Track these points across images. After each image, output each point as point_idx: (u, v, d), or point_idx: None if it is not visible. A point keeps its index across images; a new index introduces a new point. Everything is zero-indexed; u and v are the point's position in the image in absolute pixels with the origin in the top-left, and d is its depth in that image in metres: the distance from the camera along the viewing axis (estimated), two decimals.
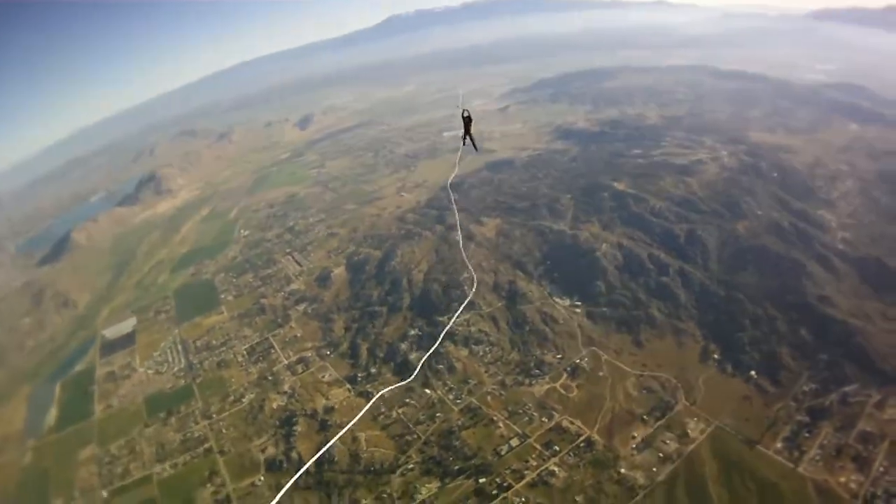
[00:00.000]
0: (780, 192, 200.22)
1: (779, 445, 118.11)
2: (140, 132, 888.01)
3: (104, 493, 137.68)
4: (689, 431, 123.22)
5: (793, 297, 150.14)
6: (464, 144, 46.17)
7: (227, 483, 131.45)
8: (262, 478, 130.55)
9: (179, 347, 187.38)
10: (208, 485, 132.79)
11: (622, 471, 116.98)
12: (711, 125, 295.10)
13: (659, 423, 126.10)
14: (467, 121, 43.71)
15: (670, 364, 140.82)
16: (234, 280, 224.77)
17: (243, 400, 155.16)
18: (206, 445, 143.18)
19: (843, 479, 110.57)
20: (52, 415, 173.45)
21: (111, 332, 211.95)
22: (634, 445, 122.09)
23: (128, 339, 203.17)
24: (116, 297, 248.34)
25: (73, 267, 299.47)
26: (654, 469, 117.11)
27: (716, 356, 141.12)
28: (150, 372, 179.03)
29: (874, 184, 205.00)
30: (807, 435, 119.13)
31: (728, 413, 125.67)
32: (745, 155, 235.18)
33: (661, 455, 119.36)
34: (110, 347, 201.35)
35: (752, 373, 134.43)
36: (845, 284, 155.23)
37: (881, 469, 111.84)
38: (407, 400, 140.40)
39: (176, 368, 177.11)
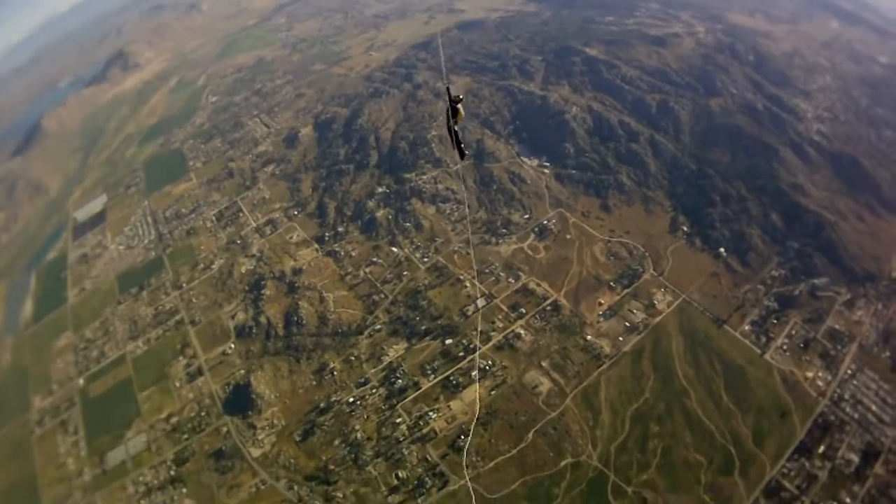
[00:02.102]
0: (755, 75, 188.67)
1: (746, 328, 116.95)
2: (112, 13, 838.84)
3: (80, 381, 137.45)
4: (655, 302, 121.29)
5: (764, 180, 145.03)
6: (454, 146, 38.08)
7: (199, 354, 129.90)
8: (232, 346, 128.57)
9: (149, 219, 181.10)
10: (180, 358, 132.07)
11: (588, 338, 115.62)
12: (689, 0, 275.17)
13: (626, 291, 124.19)
14: (453, 108, 35.61)
15: (638, 232, 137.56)
16: (203, 146, 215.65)
17: (213, 266, 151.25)
18: (178, 317, 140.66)
19: (810, 375, 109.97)
20: (28, 308, 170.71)
21: (82, 214, 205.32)
22: (601, 312, 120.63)
23: (98, 218, 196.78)
24: (87, 177, 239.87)
25: (44, 154, 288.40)
26: (621, 339, 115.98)
27: (685, 228, 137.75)
28: (121, 248, 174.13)
29: (854, 84, 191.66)
30: (774, 322, 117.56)
31: (696, 288, 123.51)
32: (722, 34, 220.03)
33: (627, 324, 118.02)
34: (82, 229, 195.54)
35: (722, 250, 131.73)
36: (819, 176, 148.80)
37: (849, 372, 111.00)
38: (374, 259, 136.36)
39: (146, 241, 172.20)
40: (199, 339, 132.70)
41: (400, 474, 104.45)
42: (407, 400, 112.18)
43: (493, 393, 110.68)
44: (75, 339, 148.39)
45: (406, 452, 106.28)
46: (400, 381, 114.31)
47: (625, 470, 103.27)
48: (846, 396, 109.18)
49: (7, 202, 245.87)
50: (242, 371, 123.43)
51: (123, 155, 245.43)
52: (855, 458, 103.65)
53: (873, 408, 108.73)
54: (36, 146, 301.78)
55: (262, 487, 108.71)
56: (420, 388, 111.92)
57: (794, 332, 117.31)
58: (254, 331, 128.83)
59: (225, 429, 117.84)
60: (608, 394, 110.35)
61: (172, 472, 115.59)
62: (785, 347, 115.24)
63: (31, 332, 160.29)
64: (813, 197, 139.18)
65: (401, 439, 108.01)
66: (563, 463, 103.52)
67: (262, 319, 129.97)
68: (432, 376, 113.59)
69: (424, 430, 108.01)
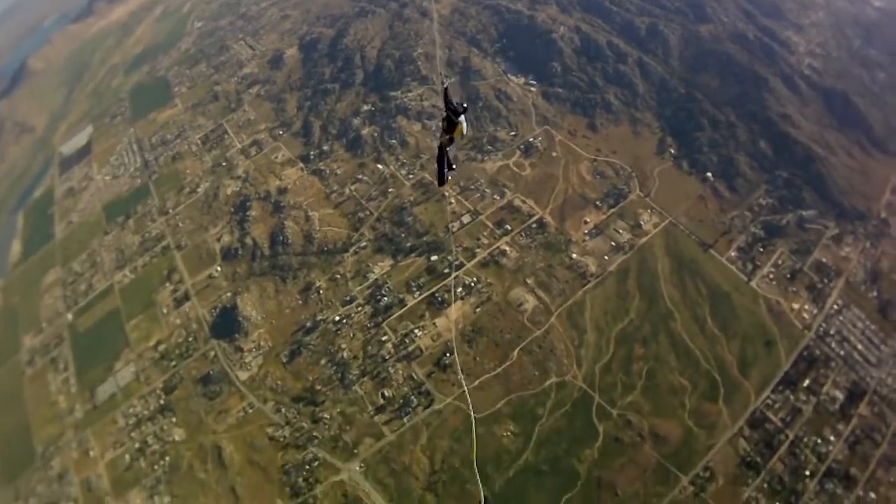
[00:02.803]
0: (747, 5, 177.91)
1: (732, 254, 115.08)
2: None
3: (69, 316, 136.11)
4: (642, 223, 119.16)
5: (753, 107, 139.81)
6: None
7: (186, 279, 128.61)
8: (218, 268, 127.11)
9: (135, 147, 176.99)
10: (167, 284, 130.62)
11: (574, 256, 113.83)
12: None
13: (612, 210, 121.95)
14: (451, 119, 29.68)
15: (625, 152, 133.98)
16: (188, 72, 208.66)
17: (198, 190, 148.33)
18: (164, 243, 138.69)
19: (796, 306, 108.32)
20: (17, 248, 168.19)
21: (68, 148, 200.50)
22: (587, 231, 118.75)
23: (85, 151, 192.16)
24: (72, 111, 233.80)
25: (30, 93, 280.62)
26: (606, 258, 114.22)
27: (672, 151, 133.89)
28: (107, 178, 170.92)
29: (848, 24, 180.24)
30: (761, 250, 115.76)
31: (682, 211, 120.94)
32: None
33: (613, 244, 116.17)
34: (68, 163, 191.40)
35: (709, 174, 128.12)
36: (809, 110, 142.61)
37: (835, 307, 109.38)
38: (359, 176, 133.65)
39: (132, 169, 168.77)
40: (186, 264, 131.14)
41: (386, 393, 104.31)
42: (392, 317, 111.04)
43: (478, 310, 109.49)
44: (63, 274, 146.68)
45: (392, 371, 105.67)
46: (385, 298, 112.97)
47: (609, 391, 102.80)
48: (832, 332, 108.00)
49: None
50: (229, 294, 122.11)
51: (109, 86, 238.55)
52: (840, 396, 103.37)
53: (859, 346, 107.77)
54: (21, 87, 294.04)
55: (250, 412, 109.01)
56: (405, 306, 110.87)
57: (780, 261, 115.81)
58: (240, 252, 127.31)
59: (212, 353, 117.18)
60: (593, 313, 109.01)
61: (161, 401, 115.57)
62: (771, 276, 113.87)
63: (20, 271, 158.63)
64: (803, 129, 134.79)
65: (386, 357, 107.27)
66: (547, 382, 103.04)
67: (248, 240, 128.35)
68: (418, 293, 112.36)
69: (410, 348, 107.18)
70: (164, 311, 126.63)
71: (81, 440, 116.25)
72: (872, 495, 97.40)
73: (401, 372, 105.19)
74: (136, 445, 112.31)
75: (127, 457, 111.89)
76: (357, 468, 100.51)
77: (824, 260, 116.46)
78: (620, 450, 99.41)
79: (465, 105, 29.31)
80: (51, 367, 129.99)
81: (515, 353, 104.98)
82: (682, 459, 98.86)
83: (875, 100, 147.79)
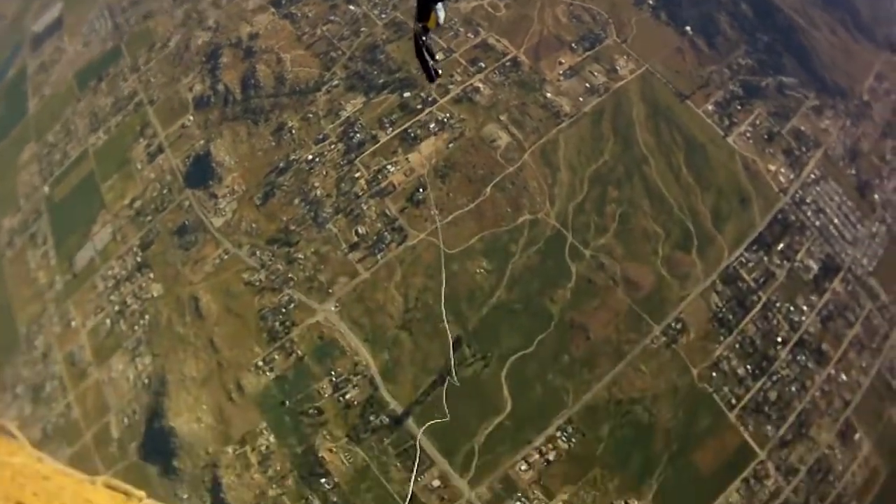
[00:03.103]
0: None
1: (709, 107, 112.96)
2: None
3: (45, 189, 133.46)
4: (618, 68, 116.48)
5: None
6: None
7: (159, 132, 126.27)
8: (191, 118, 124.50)
9: (106, 13, 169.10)
10: (141, 139, 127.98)
11: (548, 95, 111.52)
12: None
13: (588, 53, 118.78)
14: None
15: None
16: None
17: (169, 44, 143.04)
18: (136, 100, 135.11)
19: (772, 168, 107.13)
20: None
21: (39, 25, 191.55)
22: (561, 72, 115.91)
23: (55, 26, 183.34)
24: None
25: None
26: (581, 99, 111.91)
27: (651, 1, 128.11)
28: (78, 48, 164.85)
29: None
30: (739, 108, 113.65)
31: (659, 60, 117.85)
32: None
33: (588, 85, 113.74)
34: (39, 40, 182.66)
35: (688, 28, 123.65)
36: None
37: (812, 176, 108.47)
38: (331, 17, 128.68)
39: (103, 33, 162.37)
40: (158, 117, 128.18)
41: (360, 230, 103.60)
42: (365, 154, 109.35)
43: (451, 146, 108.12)
44: (38, 148, 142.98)
45: (365, 208, 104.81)
46: (358, 135, 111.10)
47: (582, 232, 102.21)
48: (808, 200, 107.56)
49: None
50: (202, 141, 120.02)
51: None
52: (814, 266, 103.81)
53: (835, 220, 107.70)
54: None
55: (226, 258, 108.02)
56: (378, 142, 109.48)
57: (758, 122, 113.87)
58: (212, 99, 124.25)
59: (187, 203, 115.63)
60: (567, 152, 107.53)
61: (139, 259, 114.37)
62: (748, 135, 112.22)
63: None
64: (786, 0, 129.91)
65: (360, 194, 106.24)
66: (520, 219, 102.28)
67: (220, 87, 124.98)
68: (390, 129, 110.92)
69: (383, 184, 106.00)
70: (139, 166, 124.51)
71: (63, 313, 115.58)
72: (843, 377, 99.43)
73: (374, 208, 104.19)
74: (116, 308, 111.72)
75: (107, 321, 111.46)
76: (332, 308, 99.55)
77: (803, 128, 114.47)
78: (593, 292, 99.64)
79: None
80: (30, 244, 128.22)
81: (488, 189, 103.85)
82: (654, 307, 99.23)
83: None
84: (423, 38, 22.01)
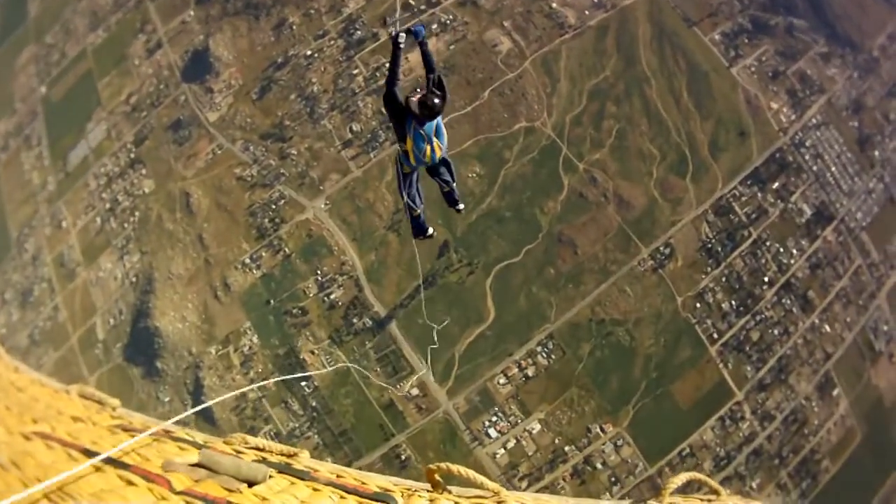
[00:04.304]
0: None
1: (716, 36, 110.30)
2: None
3: (42, 90, 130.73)
4: None
5: None
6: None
7: (158, 28, 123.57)
8: (192, 13, 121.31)
9: None
10: (140, 35, 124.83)
11: (553, 5, 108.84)
12: None
13: None
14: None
15: None
16: None
17: None
18: None
19: (774, 106, 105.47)
20: None
21: None
22: None
23: None
24: None
25: None
26: (587, 12, 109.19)
27: None
28: None
29: None
30: (746, 41, 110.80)
31: None
32: None
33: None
34: None
35: None
36: None
37: (814, 121, 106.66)
38: None
39: None
40: (159, 13, 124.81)
41: (354, 127, 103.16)
42: (365, 51, 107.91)
43: (451, 47, 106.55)
44: (37, 50, 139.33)
45: (361, 105, 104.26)
46: (359, 32, 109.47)
47: (578, 144, 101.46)
48: (807, 144, 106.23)
49: None
50: (201, 37, 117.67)
51: None
52: (807, 211, 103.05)
53: (833, 168, 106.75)
54: None
55: (219, 152, 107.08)
56: (378, 40, 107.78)
57: (764, 58, 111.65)
58: None
59: (183, 97, 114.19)
60: (568, 63, 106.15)
61: (132, 155, 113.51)
62: (753, 69, 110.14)
63: None
64: None
65: (356, 91, 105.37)
66: (516, 126, 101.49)
67: None
68: (391, 28, 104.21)
69: (381, 82, 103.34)
70: (136, 62, 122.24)
71: (54, 213, 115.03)
72: (827, 328, 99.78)
73: (370, 106, 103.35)
74: (107, 206, 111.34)
75: (98, 220, 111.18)
76: (322, 206, 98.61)
77: (809, 72, 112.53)
78: (584, 207, 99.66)
79: (438, 82, 12.87)
80: (24, 146, 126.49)
81: (486, 93, 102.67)
82: (644, 230, 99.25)
83: None
84: (402, 168, 13.42)
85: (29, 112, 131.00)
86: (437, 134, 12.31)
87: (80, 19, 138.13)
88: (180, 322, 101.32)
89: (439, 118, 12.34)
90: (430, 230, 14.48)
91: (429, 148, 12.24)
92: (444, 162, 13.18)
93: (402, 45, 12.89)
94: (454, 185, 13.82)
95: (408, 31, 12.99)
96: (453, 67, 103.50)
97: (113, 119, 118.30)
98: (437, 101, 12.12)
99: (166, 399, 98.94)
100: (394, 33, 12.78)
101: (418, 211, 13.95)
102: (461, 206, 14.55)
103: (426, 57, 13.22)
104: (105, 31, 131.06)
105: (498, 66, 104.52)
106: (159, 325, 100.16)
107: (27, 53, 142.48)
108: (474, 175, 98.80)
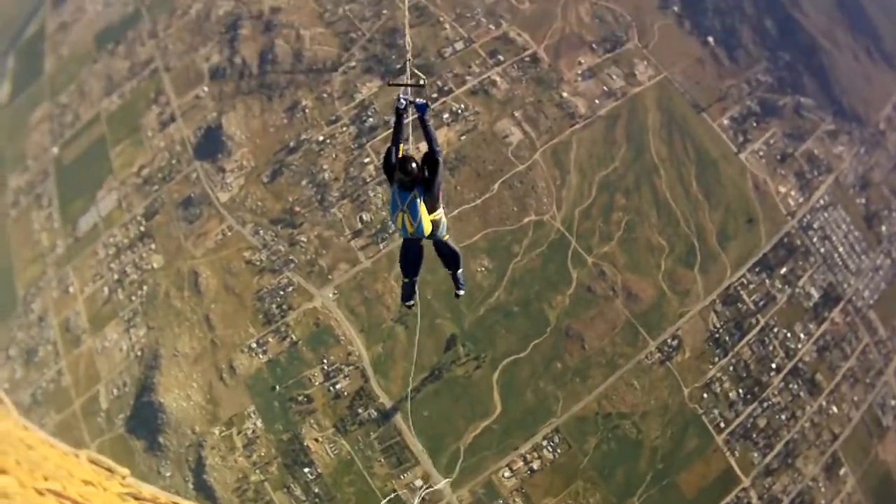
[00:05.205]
0: None
1: (725, 122, 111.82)
2: None
3: (55, 150, 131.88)
4: (636, 73, 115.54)
5: None
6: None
7: (172, 100, 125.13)
8: (205, 88, 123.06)
9: None
10: (154, 106, 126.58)
11: (564, 95, 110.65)
12: None
13: (608, 55, 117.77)
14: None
15: (627, 1, 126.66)
16: None
17: (190, 11, 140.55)
18: (153, 66, 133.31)
19: (782, 189, 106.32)
20: (5, 90, 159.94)
21: None
22: (580, 72, 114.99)
23: None
24: None
25: None
26: (597, 101, 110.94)
27: (676, 9, 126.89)
28: (99, 8, 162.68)
29: None
30: (754, 125, 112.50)
31: (679, 69, 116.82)
32: None
33: (605, 88, 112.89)
34: None
35: (710, 39, 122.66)
36: (821, 1, 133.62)
37: (822, 202, 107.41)
38: None
39: None
40: (173, 85, 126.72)
41: (364, 217, 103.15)
42: (377, 139, 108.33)
43: (462, 138, 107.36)
44: (51, 108, 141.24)
45: (372, 194, 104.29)
46: (371, 119, 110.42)
47: (587, 238, 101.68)
48: (815, 226, 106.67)
49: None
50: (214, 113, 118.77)
51: None
52: (815, 294, 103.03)
53: (840, 249, 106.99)
54: None
55: (229, 234, 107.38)
56: (391, 128, 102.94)
57: (772, 141, 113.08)
58: (228, 71, 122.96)
59: (194, 174, 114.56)
60: (578, 154, 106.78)
61: (142, 228, 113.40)
62: (761, 154, 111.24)
63: (9, 111, 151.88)
64: (811, 18, 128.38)
65: (367, 180, 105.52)
66: (526, 220, 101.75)
67: (237, 59, 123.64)
68: (405, 117, 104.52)
69: None
70: (149, 134, 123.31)
71: (62, 277, 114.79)
72: (834, 409, 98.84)
73: (381, 196, 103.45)
74: (115, 276, 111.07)
75: (105, 289, 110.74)
76: (330, 295, 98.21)
77: (816, 152, 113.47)
78: (592, 301, 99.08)
79: (433, 162, 12.98)
80: (35, 205, 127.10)
81: (496, 185, 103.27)
82: (652, 322, 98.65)
83: (888, 11, 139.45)
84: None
85: (41, 171, 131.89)
86: (412, 209, 12.30)
87: (95, 82, 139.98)
88: (184, 400, 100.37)
89: (418, 198, 12.30)
90: (411, 302, 14.93)
91: (400, 217, 12.51)
92: (443, 245, 14.14)
93: (402, 114, 13.55)
94: (457, 271, 14.95)
95: (410, 103, 13.39)
96: (464, 158, 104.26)
97: (124, 189, 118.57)
98: (413, 166, 12.25)
99: (167, 474, 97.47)
100: (399, 103, 13.33)
101: (406, 280, 14.81)
102: (460, 292, 15.75)
103: (427, 133, 13.34)
104: (119, 98, 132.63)
105: (508, 157, 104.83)
106: (163, 401, 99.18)
107: (41, 111, 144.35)
108: (483, 269, 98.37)
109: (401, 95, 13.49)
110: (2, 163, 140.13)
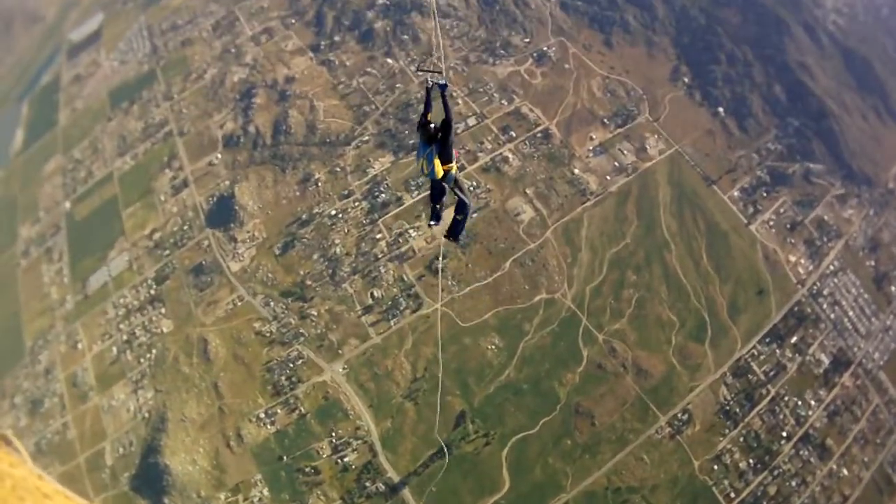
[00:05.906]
0: None
1: (735, 193, 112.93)
2: None
3: (67, 205, 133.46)
4: (647, 147, 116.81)
5: (772, 51, 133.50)
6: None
7: (186, 165, 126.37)
8: (219, 155, 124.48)
9: (145, 33, 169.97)
10: (167, 170, 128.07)
11: (576, 171, 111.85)
12: None
13: (619, 130, 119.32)
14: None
15: (639, 74, 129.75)
16: None
17: (205, 76, 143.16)
18: (167, 129, 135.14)
19: (793, 259, 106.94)
20: (19, 137, 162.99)
21: (77, 35, 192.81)
22: (591, 147, 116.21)
23: (94, 37, 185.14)
24: None
25: None
26: (608, 177, 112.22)
27: (686, 80, 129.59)
28: (114, 64, 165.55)
29: None
30: (764, 195, 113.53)
31: (689, 142, 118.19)
32: None
33: (616, 164, 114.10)
34: (76, 50, 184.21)
35: (720, 109, 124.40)
36: (829, 64, 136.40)
37: (831, 268, 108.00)
38: (368, 69, 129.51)
39: (140, 55, 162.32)
40: (187, 150, 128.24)
41: (375, 293, 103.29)
42: (388, 215, 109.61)
43: (474, 216, 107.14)
44: (64, 162, 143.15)
45: (383, 270, 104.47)
46: (383, 195, 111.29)
47: (598, 315, 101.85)
48: (825, 293, 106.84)
49: (3, 36, 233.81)
50: (227, 182, 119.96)
51: None
52: (825, 361, 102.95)
53: (850, 313, 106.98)
54: None
55: (239, 304, 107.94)
56: (402, 205, 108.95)
57: (782, 210, 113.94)
58: (241, 140, 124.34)
59: (206, 242, 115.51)
60: (589, 232, 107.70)
61: (152, 292, 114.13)
62: (771, 224, 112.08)
63: (21, 160, 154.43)
64: (820, 82, 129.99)
65: (379, 256, 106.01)
66: (537, 298, 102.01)
67: (251, 128, 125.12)
68: (416, 192, 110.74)
69: (403, 249, 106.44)
70: (162, 198, 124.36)
71: (70, 332, 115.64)
72: (845, 472, 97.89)
73: (392, 272, 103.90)
74: (124, 337, 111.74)
75: (114, 349, 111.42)
76: (340, 369, 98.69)
77: (826, 218, 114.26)
78: (602, 378, 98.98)
79: (447, 126, 18.31)
80: (45, 258, 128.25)
81: (508, 263, 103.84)
82: (662, 397, 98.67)
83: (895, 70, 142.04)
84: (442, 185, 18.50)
85: (52, 224, 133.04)
86: (429, 158, 17.90)
87: (108, 140, 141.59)
88: (191, 464, 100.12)
89: (433, 149, 17.84)
90: (434, 223, 20.71)
91: (421, 162, 18.14)
92: (461, 192, 19.67)
93: (430, 90, 18.66)
94: (462, 219, 20.54)
95: (434, 85, 18.61)
96: (476, 236, 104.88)
97: (135, 252, 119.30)
98: (432, 127, 18.00)
99: None
100: (428, 84, 18.74)
101: (433, 205, 20.35)
102: (459, 241, 22.45)
103: (445, 105, 18.15)
104: (132, 159, 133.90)
105: (520, 235, 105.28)
106: (169, 464, 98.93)
107: (54, 162, 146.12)
108: (493, 347, 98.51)
109: (428, 78, 18.75)
110: (14, 211, 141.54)
